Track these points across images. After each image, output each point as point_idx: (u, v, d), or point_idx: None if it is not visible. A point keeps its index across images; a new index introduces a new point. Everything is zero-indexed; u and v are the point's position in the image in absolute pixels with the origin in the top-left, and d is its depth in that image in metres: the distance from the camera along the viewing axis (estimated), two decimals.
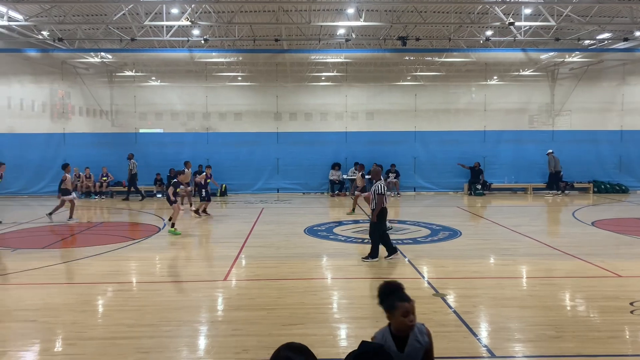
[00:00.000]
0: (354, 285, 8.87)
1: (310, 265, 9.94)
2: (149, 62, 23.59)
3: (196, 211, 16.06)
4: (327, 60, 23.67)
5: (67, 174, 15.54)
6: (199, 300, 7.84)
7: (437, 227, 13.90)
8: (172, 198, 13.45)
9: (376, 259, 10.07)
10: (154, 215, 16.72)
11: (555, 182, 21.95)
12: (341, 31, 23.51)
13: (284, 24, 20.99)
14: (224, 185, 22.04)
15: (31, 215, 16.54)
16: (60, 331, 6.60)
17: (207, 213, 16.17)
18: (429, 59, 24.00)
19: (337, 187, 22.44)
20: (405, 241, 12.09)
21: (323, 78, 24.79)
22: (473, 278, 9.01)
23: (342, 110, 23.28)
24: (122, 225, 15.61)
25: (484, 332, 6.44)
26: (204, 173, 16.68)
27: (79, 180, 21.51)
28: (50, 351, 6.03)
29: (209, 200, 16.32)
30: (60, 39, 21.51)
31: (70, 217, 15.29)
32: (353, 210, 16.56)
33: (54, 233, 13.87)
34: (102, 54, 22.91)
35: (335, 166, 22.48)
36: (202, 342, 6.30)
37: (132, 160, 21.04)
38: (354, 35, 23.46)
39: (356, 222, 15.16)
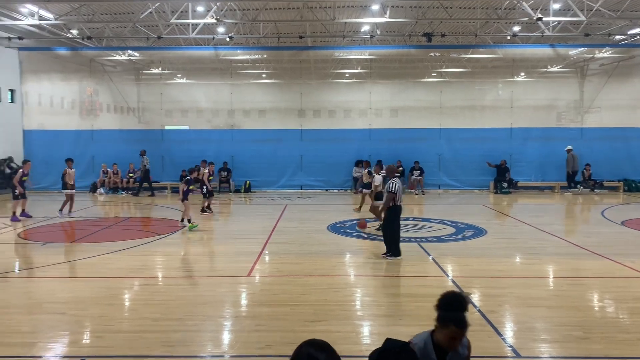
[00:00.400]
0: (377, 282, 8.85)
1: (333, 263, 9.95)
2: (175, 60, 23.85)
3: (202, 209, 16.12)
4: (352, 57, 23.60)
5: (67, 169, 15.81)
6: (223, 295, 7.92)
7: (462, 226, 13.76)
8: (181, 196, 13.60)
9: (399, 257, 10.02)
10: (179, 211, 16.91)
11: (572, 180, 21.45)
12: (366, 28, 23.42)
13: (309, 21, 21.00)
14: (247, 182, 22.22)
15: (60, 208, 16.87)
16: (88, 324, 6.74)
17: (210, 210, 16.24)
18: (455, 55, 23.74)
19: (362, 185, 22.34)
20: (429, 239, 12.00)
21: (347, 75, 24.74)
22: (498, 277, 8.90)
23: (366, 107, 23.19)
24: (148, 221, 15.84)
25: (509, 332, 6.36)
26: (206, 170, 16.72)
27: (106, 176, 21.91)
28: (78, 343, 6.17)
29: (211, 196, 16.39)
30: (88, 37, 21.91)
31: (61, 210, 15.38)
32: (360, 207, 16.42)
33: (82, 228, 14.17)
34: (130, 51, 23.27)
35: (359, 163, 22.39)
36: (226, 337, 6.37)
37: (144, 156, 21.42)
38: (378, 32, 23.36)
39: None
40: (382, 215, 10.12)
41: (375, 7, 19.65)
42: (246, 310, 7.37)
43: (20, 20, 20.23)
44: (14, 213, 14.77)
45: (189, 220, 13.35)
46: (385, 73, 23.62)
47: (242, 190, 21.95)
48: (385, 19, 19.53)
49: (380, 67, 23.59)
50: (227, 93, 23.19)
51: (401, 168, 20.85)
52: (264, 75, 24.46)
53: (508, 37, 22.70)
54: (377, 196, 12.96)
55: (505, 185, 21.76)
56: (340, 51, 23.58)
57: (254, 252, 10.65)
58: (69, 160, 16.10)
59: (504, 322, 6.77)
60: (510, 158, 22.32)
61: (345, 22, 21.44)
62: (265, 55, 23.87)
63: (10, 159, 22.42)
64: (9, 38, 22.28)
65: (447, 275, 8.93)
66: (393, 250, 10.08)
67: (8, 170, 21.48)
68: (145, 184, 21.33)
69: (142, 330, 6.35)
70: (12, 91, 24.07)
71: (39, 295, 8.09)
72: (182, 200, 13.59)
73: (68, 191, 15.57)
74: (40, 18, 19.66)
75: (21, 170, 15.36)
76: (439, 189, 22.58)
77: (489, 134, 22.34)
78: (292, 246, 11.40)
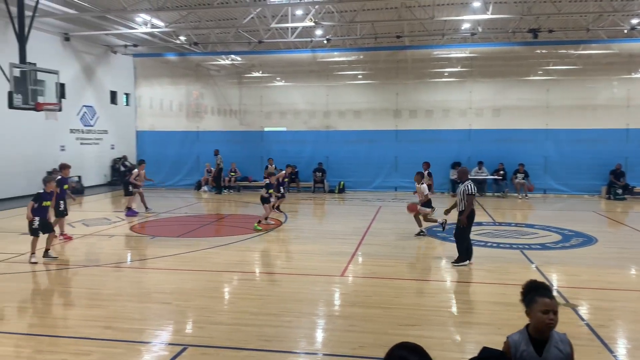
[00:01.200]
0: (474, 289, 8.51)
1: (428, 267, 9.72)
2: (274, 63, 24.57)
3: (277, 208, 16.34)
4: (451, 55, 22.95)
5: (138, 169, 16.69)
6: (317, 293, 8.00)
7: (570, 233, 12.87)
8: (266, 195, 13.86)
9: (465, 263, 9.63)
10: (276, 210, 17.37)
11: None
12: (466, 25, 22.69)
13: (407, 20, 20.74)
14: (342, 183, 22.36)
15: (168, 206, 18.02)
16: (191, 314, 7.11)
17: (279, 210, 16.40)
18: (564, 51, 22.27)
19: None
20: (533, 246, 11.35)
21: (446, 74, 24.07)
22: (609, 289, 8.22)
23: (465, 106, 22.44)
24: (247, 218, 16.41)
25: (621, 349, 5.84)
26: (283, 172, 17.18)
27: (210, 175, 23.05)
28: (181, 332, 6.52)
29: (283, 197, 16.56)
30: (195, 43, 23.20)
31: (129, 208, 16.17)
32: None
33: (187, 223, 14.99)
34: (232, 56, 24.32)
35: (456, 165, 21.72)
36: (319, 335, 6.43)
37: (218, 155, 22.29)
38: (480, 29, 22.54)
39: (479, 224, 14.55)
40: (464, 222, 9.65)
41: (476, 4, 18.97)
42: (339, 310, 7.39)
43: (135, 28, 21.85)
44: (128, 208, 15.95)
45: (259, 222, 13.59)
46: (486, 71, 22.66)
47: (336, 191, 22.13)
48: (488, 16, 18.78)
49: (481, 65, 22.68)
50: (323, 94, 23.49)
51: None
52: (360, 76, 24.50)
53: (625, 31, 20.93)
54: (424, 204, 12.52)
55: (620, 191, 20.07)
56: (439, 50, 23.03)
57: (348, 252, 10.67)
58: (142, 162, 17.14)
59: (616, 337, 6.22)
60: (626, 161, 20.55)
61: (445, 20, 20.90)
62: (361, 56, 23.88)
63: (124, 158, 24.33)
64: (125, 45, 24.18)
65: (552, 285, 8.38)
66: (463, 255, 9.73)
67: (122, 168, 23.29)
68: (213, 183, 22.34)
69: (240, 323, 6.57)
70: (127, 95, 26.11)
71: (147, 285, 8.66)
72: (263, 204, 13.91)
73: (136, 190, 16.54)
74: (153, 26, 21.12)
75: (136, 170, 16.59)
76: (544, 193, 21.32)
77: (601, 135, 20.72)
78: (385, 248, 11.29)
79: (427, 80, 23.51)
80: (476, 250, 10.56)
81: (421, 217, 12.52)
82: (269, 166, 21.32)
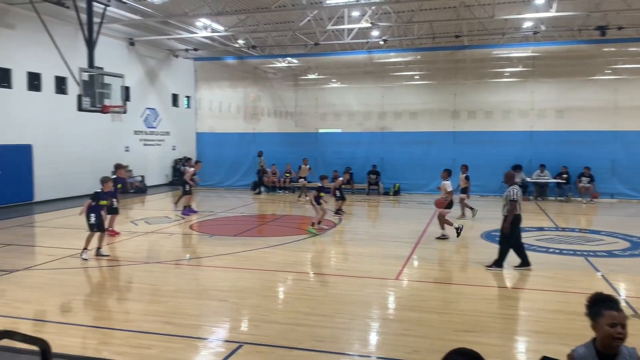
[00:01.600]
0: (534, 296, 8.20)
1: (486, 272, 9.45)
2: (330, 65, 24.65)
3: (336, 212, 16.25)
4: (512, 54, 22.27)
5: (188, 167, 17.22)
6: (371, 296, 7.95)
7: (639, 240, 12.19)
8: (314, 202, 13.83)
9: (500, 269, 9.32)
10: (331, 211, 17.42)
11: None
12: (528, 24, 21.96)
13: (466, 19, 20.29)
14: (397, 185, 22.14)
15: (226, 205, 18.43)
16: (247, 312, 7.23)
17: (342, 211, 16.36)
18: (635, 49, 21.13)
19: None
20: (598, 253, 10.83)
21: (506, 74, 23.37)
22: None
23: (527, 107, 21.69)
24: (302, 219, 16.53)
25: None
26: (341, 178, 17.35)
27: (266, 176, 23.39)
28: (237, 330, 6.64)
29: (343, 199, 16.50)
30: (253, 47, 23.64)
31: (176, 203, 16.75)
32: (463, 214, 15.72)
33: (244, 223, 15.27)
34: (289, 58, 24.60)
35: (517, 168, 21.02)
36: (373, 338, 6.38)
37: (261, 157, 22.64)
38: (543, 27, 21.76)
39: (540, 229, 14.03)
40: (507, 228, 9.34)
41: (539, 1, 18.31)
42: (393, 313, 7.31)
43: (196, 33, 22.51)
44: (185, 207, 16.43)
45: (312, 224, 13.57)
46: (550, 71, 21.81)
47: (391, 193, 21.93)
48: (552, 14, 18.08)
49: (544, 64, 21.85)
50: (379, 96, 23.34)
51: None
52: (416, 77, 24.19)
53: None
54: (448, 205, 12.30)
55: None
56: (500, 49, 22.39)
57: (403, 255, 10.54)
58: (198, 163, 17.77)
59: None
60: None
61: (506, 19, 20.29)
62: (418, 57, 23.57)
63: (185, 159, 25.09)
64: (186, 50, 24.94)
65: (619, 295, 7.96)
66: (523, 259, 9.41)
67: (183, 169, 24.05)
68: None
69: (294, 323, 6.62)
70: (188, 97, 26.92)
71: (205, 283, 8.89)
72: (315, 205, 13.95)
73: (190, 189, 16.92)
74: (212, 30, 21.67)
75: (192, 169, 17.08)
76: (612, 198, 20.29)
77: None
78: (442, 252, 11.08)
79: (486, 80, 22.89)
80: (537, 257, 10.19)
81: (445, 220, 12.28)
82: (303, 166, 21.54)
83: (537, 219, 15.90)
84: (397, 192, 22.05)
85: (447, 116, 22.45)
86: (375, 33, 22.95)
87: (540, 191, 20.66)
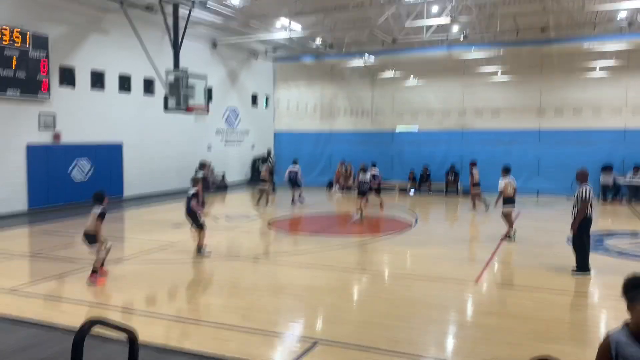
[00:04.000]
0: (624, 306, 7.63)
1: (573, 279, 8.92)
2: (407, 62, 24.30)
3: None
4: (604, 48, 20.88)
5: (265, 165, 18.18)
6: (448, 299, 7.74)
7: None
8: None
9: (587, 273, 8.80)
10: (408, 210, 17.18)
11: None
12: (622, 15, 20.49)
13: (553, 12, 19.25)
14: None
15: (303, 204, 18.62)
16: (322, 310, 7.28)
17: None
18: None
19: (611, 193, 19.61)
20: None
21: (597, 68, 21.97)
22: None
23: (620, 104, 20.28)
24: (377, 219, 16.41)
25: None
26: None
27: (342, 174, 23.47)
28: (312, 327, 6.70)
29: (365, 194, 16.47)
30: (330, 46, 23.74)
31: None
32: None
33: (319, 221, 15.39)
34: (366, 57, 24.49)
35: (607, 169, 19.71)
36: (450, 342, 6.21)
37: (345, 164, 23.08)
38: (639, 19, 20.21)
39: (635, 234, 13.08)
40: (575, 228, 8.79)
41: None
42: (472, 318, 7.08)
43: (275, 33, 22.95)
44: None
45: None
46: None
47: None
48: None
49: None
50: (459, 93, 22.73)
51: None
52: (499, 73, 23.30)
53: None
54: (505, 201, 12.21)
55: None
56: (590, 42, 21.06)
57: (483, 258, 10.19)
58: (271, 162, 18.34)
59: None
60: None
61: (597, 11, 19.05)
62: (501, 52, 22.69)
63: (263, 158, 25.69)
64: (266, 51, 25.49)
65: None
66: (582, 265, 8.88)
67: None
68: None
69: (369, 323, 6.58)
70: (266, 97, 27.54)
71: (282, 279, 9.04)
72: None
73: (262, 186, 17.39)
74: (291, 31, 21.99)
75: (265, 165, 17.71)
76: None
77: None
78: (524, 257, 10.60)
79: (575, 75, 21.63)
80: (631, 265, 9.49)
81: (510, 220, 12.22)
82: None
83: (631, 223, 14.85)
84: None
85: (532, 114, 21.47)
86: (455, 28, 22.32)
87: (634, 194, 19.25)
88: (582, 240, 9.02)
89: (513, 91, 22.43)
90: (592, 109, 20.88)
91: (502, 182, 12.43)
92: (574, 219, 9.02)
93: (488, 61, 22.95)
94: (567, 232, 11.65)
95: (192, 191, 10.54)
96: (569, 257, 10.36)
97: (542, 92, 21.21)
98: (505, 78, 22.87)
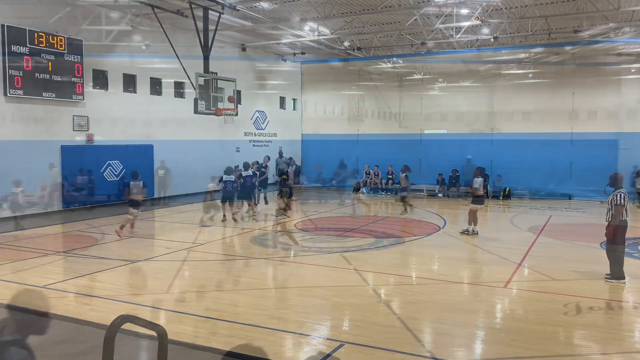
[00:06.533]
0: None
1: (607, 285, 8.69)
2: (436, 65, 24.09)
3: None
4: (639, 49, 20.33)
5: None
6: (477, 303, 7.64)
7: None
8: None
9: (622, 280, 8.56)
10: (436, 215, 17.01)
11: None
12: None
13: (586, 13, 18.83)
14: (507, 189, 21.09)
15: (329, 205, 18.65)
16: (349, 312, 7.26)
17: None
18: None
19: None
20: None
21: (633, 70, 21.40)
22: None
23: None
24: (404, 221, 16.28)
25: None
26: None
27: (368, 177, 23.39)
28: (339, 328, 6.69)
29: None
30: (358, 49, 23.72)
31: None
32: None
33: (346, 223, 15.36)
34: (394, 59, 24.39)
35: None
36: (478, 346, 6.12)
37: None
38: None
39: None
40: (610, 235, 8.57)
41: None
42: (501, 323, 6.96)
43: (303, 37, 23.04)
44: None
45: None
46: None
47: (501, 197, 20.92)
48: None
49: None
50: (488, 96, 22.42)
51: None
52: (530, 75, 22.91)
53: None
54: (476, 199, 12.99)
55: None
56: (625, 44, 20.52)
57: (513, 263, 10.02)
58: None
59: None
60: None
61: (633, 11, 18.57)
62: (532, 54, 22.31)
63: (291, 160, 25.81)
64: (294, 54, 25.62)
65: None
66: (616, 271, 8.64)
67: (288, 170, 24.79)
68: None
69: (395, 326, 6.53)
70: (294, 100, 27.67)
71: (309, 280, 9.05)
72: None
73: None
74: (319, 34, 22.05)
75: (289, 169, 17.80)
76: None
77: None
78: (555, 261, 10.37)
79: (609, 77, 21.12)
80: None
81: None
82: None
83: (627, 227, 14.35)
84: (507, 197, 21.01)
85: (564, 117, 21.03)
86: (485, 30, 22.05)
87: None
88: (616, 246, 8.78)
89: (544, 94, 22.00)
90: (627, 112, 20.33)
91: (478, 181, 13.19)
92: (608, 224, 8.81)
93: (519, 63, 22.61)
94: (601, 238, 11.38)
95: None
96: (603, 263, 10.11)
97: (575, 95, 20.76)
98: (536, 80, 22.46)
